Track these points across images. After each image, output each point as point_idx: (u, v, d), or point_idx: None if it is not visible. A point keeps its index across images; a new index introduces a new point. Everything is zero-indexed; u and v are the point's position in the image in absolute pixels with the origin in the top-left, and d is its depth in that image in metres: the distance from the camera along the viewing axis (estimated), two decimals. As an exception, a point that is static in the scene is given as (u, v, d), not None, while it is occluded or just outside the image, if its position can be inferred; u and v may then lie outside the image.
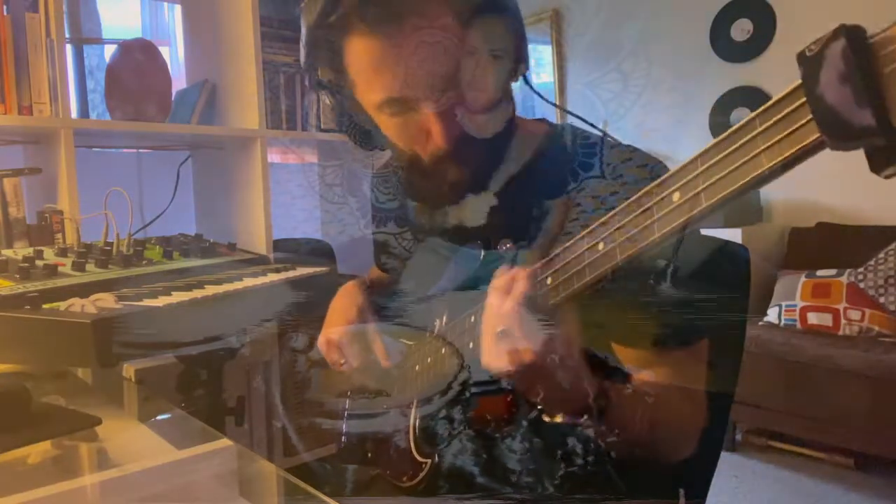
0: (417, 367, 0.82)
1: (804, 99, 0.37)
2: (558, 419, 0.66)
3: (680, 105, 3.25)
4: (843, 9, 2.72)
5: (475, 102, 0.71)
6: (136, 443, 0.80)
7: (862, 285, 2.42)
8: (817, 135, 0.36)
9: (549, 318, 0.60)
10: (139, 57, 1.77)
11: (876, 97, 0.33)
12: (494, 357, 0.61)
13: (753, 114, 0.40)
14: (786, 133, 0.38)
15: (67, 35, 1.86)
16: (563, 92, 3.64)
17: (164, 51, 2.17)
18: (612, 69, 3.42)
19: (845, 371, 2.18)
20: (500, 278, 0.62)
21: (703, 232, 0.88)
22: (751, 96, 3.04)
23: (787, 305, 2.55)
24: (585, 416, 0.65)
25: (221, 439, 0.72)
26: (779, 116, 0.39)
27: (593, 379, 0.65)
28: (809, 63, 0.36)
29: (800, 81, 0.37)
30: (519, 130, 0.80)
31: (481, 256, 0.80)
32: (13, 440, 0.71)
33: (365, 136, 0.82)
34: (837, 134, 0.35)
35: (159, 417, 0.95)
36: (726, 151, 0.42)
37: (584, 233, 0.55)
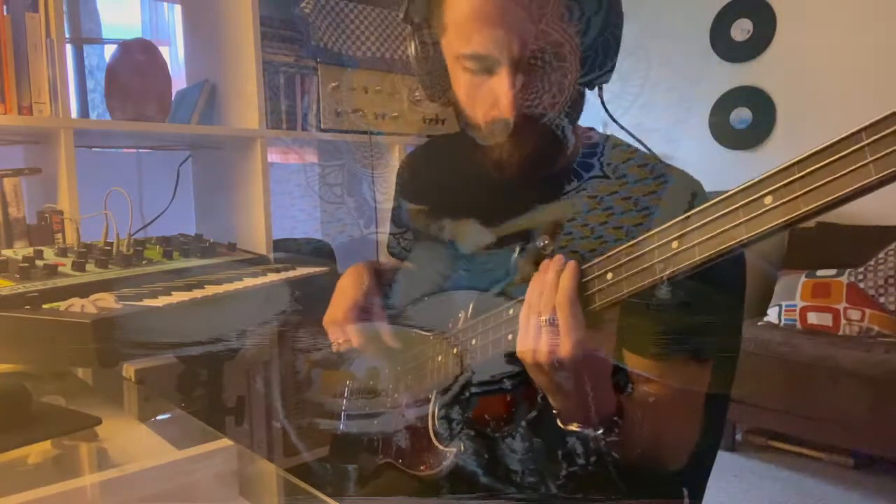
0: (440, 358, 0.82)
1: None
2: (573, 427, 0.65)
3: (680, 105, 3.25)
4: (844, 9, 2.72)
5: (552, 83, 0.72)
6: (136, 443, 0.80)
7: (862, 285, 2.42)
8: None
9: (593, 320, 0.60)
10: (139, 57, 1.77)
11: None
12: (532, 344, 0.61)
13: (860, 127, 0.42)
14: None
15: (67, 35, 1.86)
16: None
17: (164, 51, 2.17)
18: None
19: (845, 371, 2.18)
20: (551, 268, 0.62)
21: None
22: (751, 96, 3.04)
23: (787, 305, 2.55)
24: (601, 430, 0.64)
25: (221, 439, 0.72)
26: (890, 130, 0.40)
27: (614, 394, 0.66)
28: None
29: None
30: (574, 134, 0.81)
31: (516, 252, 0.80)
32: (13, 440, 0.71)
33: (436, 88, 0.82)
34: None
35: (159, 417, 0.95)
36: (829, 160, 0.43)
37: (651, 232, 0.55)
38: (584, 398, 0.62)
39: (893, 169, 0.40)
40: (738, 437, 2.58)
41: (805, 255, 2.72)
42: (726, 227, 0.49)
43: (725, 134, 3.13)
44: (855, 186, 0.42)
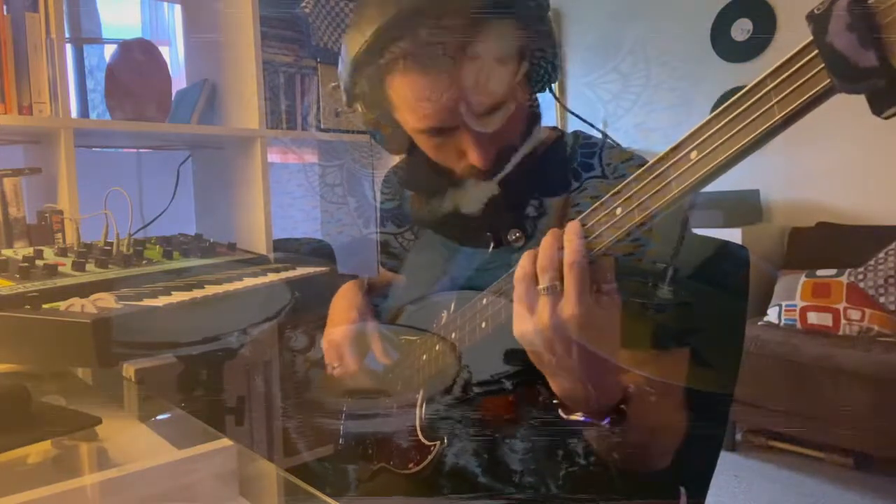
0: (425, 357, 0.83)
1: (811, 55, 0.42)
2: (575, 417, 0.62)
3: (680, 105, 3.25)
4: (843, 9, 2.72)
5: (510, 116, 0.74)
6: (136, 443, 0.80)
7: (862, 285, 2.42)
8: (827, 81, 0.41)
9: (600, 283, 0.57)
10: (139, 57, 1.77)
11: (878, 42, 0.38)
12: (530, 316, 0.57)
13: (765, 73, 0.45)
14: (797, 84, 0.43)
15: (67, 35, 1.86)
16: (563, 92, 3.64)
17: (164, 51, 2.17)
18: (612, 69, 3.42)
19: (845, 371, 2.18)
20: (551, 234, 0.59)
21: (704, 232, 0.88)
22: (751, 96, 3.04)
23: (787, 305, 2.55)
24: (607, 420, 0.61)
25: (221, 439, 0.71)
26: (789, 72, 0.43)
27: (621, 381, 0.62)
28: (818, 19, 0.40)
29: (806, 42, 0.42)
30: (539, 136, 0.83)
31: (490, 249, 0.81)
32: (13, 440, 0.71)
33: (396, 144, 0.84)
34: (846, 76, 0.40)
35: (159, 417, 0.95)
36: (741, 108, 0.46)
37: (597, 203, 0.57)
38: (587, 379, 0.58)
39: (793, 107, 0.43)
40: (738, 437, 2.58)
41: (805, 255, 2.72)
42: (660, 187, 0.52)
43: (725, 134, 3.13)
44: (762, 129, 0.45)
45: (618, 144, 0.83)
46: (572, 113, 0.87)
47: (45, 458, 0.72)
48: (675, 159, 0.51)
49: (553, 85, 0.83)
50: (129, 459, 0.72)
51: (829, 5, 0.40)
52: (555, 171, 0.82)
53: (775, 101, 0.44)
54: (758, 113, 0.45)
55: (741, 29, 3.07)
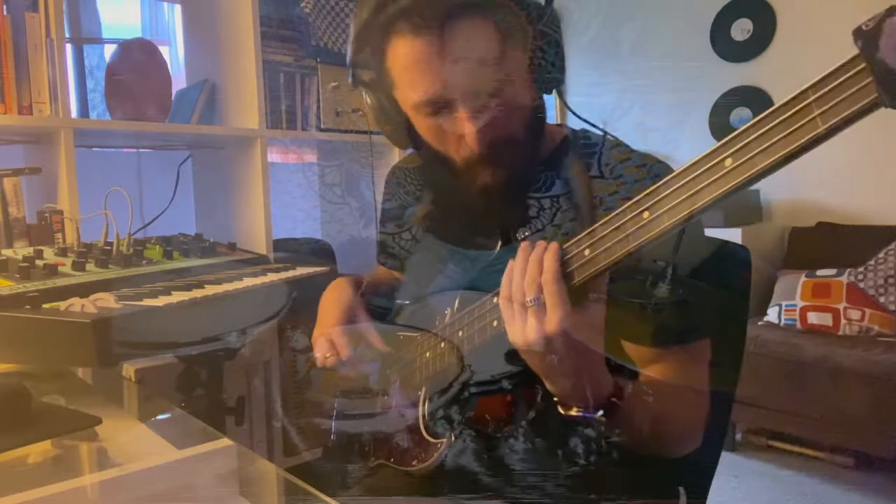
0: (428, 354, 0.82)
1: (857, 69, 0.42)
2: (573, 412, 0.66)
3: (680, 105, 3.25)
4: (844, 9, 2.72)
5: (510, 104, 0.74)
6: (136, 443, 0.80)
7: (862, 285, 2.42)
8: (874, 95, 0.42)
9: (576, 297, 0.61)
10: (139, 57, 1.77)
11: None
12: (520, 328, 0.62)
13: (806, 86, 0.45)
14: (842, 97, 0.43)
15: (67, 35, 1.86)
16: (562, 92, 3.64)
17: (164, 51, 2.17)
18: (612, 69, 3.42)
19: (845, 371, 2.18)
20: (528, 248, 0.63)
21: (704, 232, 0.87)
22: (751, 96, 3.04)
23: (787, 305, 2.55)
24: (601, 412, 0.65)
25: (221, 439, 0.72)
26: (833, 84, 0.44)
27: (610, 375, 0.66)
28: (868, 35, 0.41)
29: (850, 56, 0.42)
30: (545, 135, 0.83)
31: (498, 248, 0.81)
32: (13, 440, 0.71)
33: (401, 135, 0.84)
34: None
35: (159, 417, 0.95)
36: (781, 118, 0.47)
37: (625, 206, 0.57)
38: (579, 378, 0.64)
39: (837, 119, 0.44)
40: (738, 437, 2.58)
41: (805, 254, 2.72)
42: (691, 192, 0.52)
43: (725, 134, 3.09)
44: (805, 139, 0.45)
45: (620, 143, 0.83)
46: (574, 113, 0.86)
47: (45, 458, 0.72)
48: (708, 165, 0.51)
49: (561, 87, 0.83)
50: (129, 459, 0.72)
51: (878, 22, 0.41)
52: (559, 169, 0.82)
53: (818, 112, 0.44)
54: (800, 123, 0.46)
55: (741, 29, 3.07)
